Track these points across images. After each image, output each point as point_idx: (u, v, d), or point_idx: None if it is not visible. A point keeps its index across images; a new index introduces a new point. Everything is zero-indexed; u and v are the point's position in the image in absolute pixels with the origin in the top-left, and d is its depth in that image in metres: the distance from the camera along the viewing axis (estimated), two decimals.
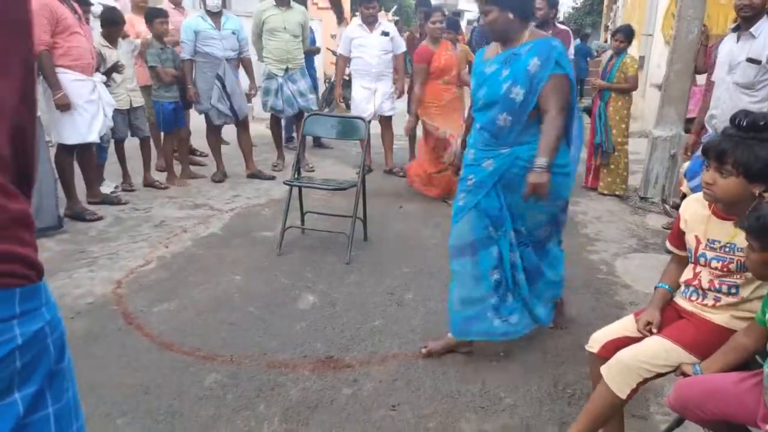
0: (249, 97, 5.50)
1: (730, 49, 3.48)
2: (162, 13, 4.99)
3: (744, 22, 3.41)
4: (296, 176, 3.92)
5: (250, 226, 4.25)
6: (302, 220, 4.07)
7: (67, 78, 3.96)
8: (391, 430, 2.14)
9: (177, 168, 5.40)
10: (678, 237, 1.88)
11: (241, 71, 5.37)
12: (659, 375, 1.73)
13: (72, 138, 4.09)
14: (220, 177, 5.41)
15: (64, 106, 3.95)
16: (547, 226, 2.59)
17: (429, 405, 2.29)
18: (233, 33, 5.12)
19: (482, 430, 2.15)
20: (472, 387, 2.41)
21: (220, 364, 2.52)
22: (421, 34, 5.98)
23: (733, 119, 1.62)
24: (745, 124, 1.58)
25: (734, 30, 3.52)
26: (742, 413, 1.51)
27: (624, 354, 1.74)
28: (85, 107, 4.08)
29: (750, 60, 3.32)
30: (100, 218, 4.26)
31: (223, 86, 5.09)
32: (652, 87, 8.30)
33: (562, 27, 5.09)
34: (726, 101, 3.44)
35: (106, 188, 4.81)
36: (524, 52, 2.35)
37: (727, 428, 1.58)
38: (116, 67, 4.48)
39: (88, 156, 4.42)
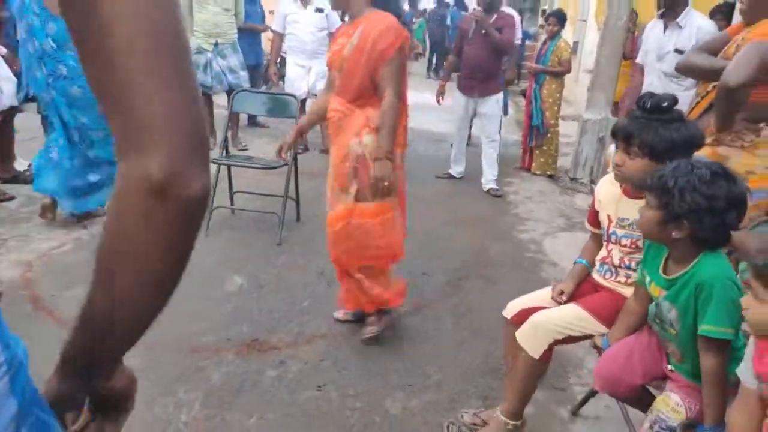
0: None
1: (657, 37, 3.58)
2: None
3: (668, 11, 3.51)
4: (224, 154, 3.77)
5: None
6: (231, 200, 3.93)
7: None
8: (316, 411, 2.10)
9: None
10: (594, 215, 1.93)
11: None
12: (571, 338, 1.79)
13: None
14: None
15: None
16: None
17: (356, 384, 2.26)
18: None
19: (408, 407, 2.14)
20: (401, 365, 2.41)
21: (138, 350, 2.37)
22: None
23: (638, 101, 1.66)
24: (649, 105, 1.62)
25: (661, 17, 3.61)
26: (657, 363, 1.59)
27: (537, 316, 1.80)
28: None
29: (677, 51, 3.41)
30: (11, 198, 3.95)
31: None
32: (585, 72, 8.53)
33: (508, 10, 5.12)
34: (657, 88, 3.54)
35: (18, 166, 4.47)
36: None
37: (641, 399, 1.64)
38: None
39: (5, 130, 4.08)
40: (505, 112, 6.24)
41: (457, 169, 5.19)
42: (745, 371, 1.21)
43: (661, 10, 3.63)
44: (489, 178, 4.85)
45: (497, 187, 4.80)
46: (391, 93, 2.25)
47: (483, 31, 4.62)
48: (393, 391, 2.24)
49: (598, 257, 1.90)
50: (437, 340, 2.61)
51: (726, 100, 2.00)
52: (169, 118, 0.49)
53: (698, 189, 1.35)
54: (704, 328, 1.37)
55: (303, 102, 5.61)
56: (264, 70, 8.05)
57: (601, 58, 5.11)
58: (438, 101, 5.26)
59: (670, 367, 1.55)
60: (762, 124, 2.09)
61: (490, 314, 2.84)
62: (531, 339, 1.76)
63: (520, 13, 11.99)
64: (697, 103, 2.39)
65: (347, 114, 2.36)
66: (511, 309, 1.92)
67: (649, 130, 1.60)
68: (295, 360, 2.40)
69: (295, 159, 3.69)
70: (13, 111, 4.18)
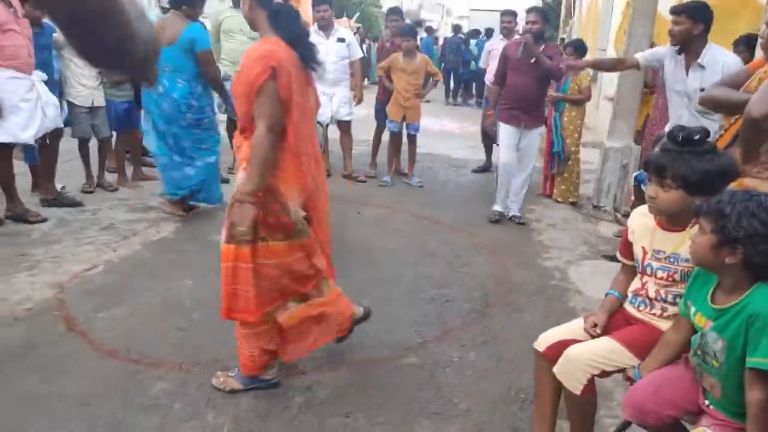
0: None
1: (681, 78, 3.46)
2: None
3: (685, 49, 3.41)
4: None
5: (203, 230, 4.14)
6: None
7: (1, 76, 3.75)
8: None
9: (129, 169, 5.22)
10: (626, 247, 1.93)
11: None
12: (605, 372, 1.77)
13: (1, 137, 3.86)
14: None
15: None
16: None
17: (383, 412, 2.26)
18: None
19: None
20: (427, 393, 2.40)
21: (168, 372, 2.42)
22: (392, 43, 5.99)
23: (670, 134, 1.68)
24: (680, 138, 1.64)
25: (678, 53, 3.49)
26: (691, 396, 1.57)
27: (571, 350, 1.79)
28: (20, 106, 3.87)
29: (702, 90, 3.37)
30: (44, 220, 4.06)
31: None
32: (604, 100, 8.56)
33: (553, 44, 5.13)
34: (690, 123, 3.48)
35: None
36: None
37: (672, 431, 1.62)
38: None
39: (48, 152, 4.26)
40: None
41: (512, 207, 4.78)
42: None
43: (677, 47, 3.48)
44: (514, 206, 4.77)
45: (520, 215, 4.75)
46: (261, 126, 2.03)
47: (533, 60, 4.48)
48: (420, 419, 2.23)
49: (631, 289, 1.90)
50: (462, 368, 2.60)
51: (751, 131, 2.02)
52: None
53: (756, 215, 1.36)
54: (756, 360, 1.35)
55: (325, 128, 5.71)
56: None
57: (623, 87, 5.15)
58: (491, 133, 5.24)
59: (707, 402, 1.53)
60: None
61: (514, 342, 2.84)
62: (568, 376, 1.76)
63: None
64: (721, 135, 2.40)
65: (239, 146, 2.23)
66: (544, 342, 1.90)
67: (682, 163, 1.62)
68: (322, 386, 2.41)
69: None
70: (56, 133, 4.33)
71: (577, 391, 1.75)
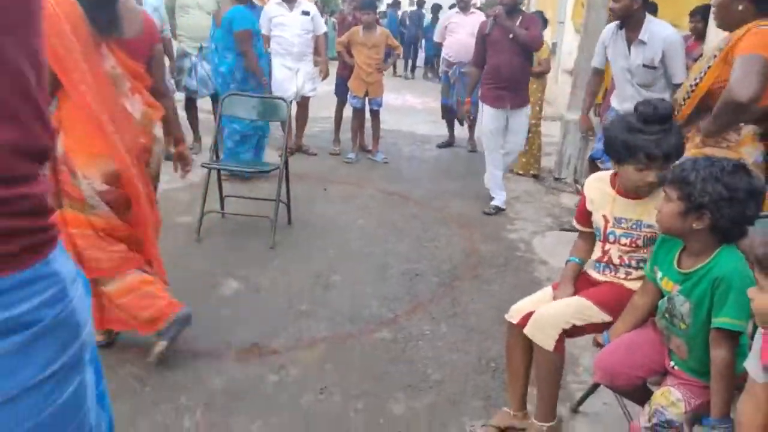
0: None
1: (623, 54, 3.44)
2: None
3: (626, 24, 3.39)
4: (214, 159, 3.75)
5: (166, 212, 3.98)
6: (221, 205, 3.91)
7: None
8: (319, 414, 2.12)
9: None
10: (584, 215, 1.96)
11: None
12: (576, 328, 1.81)
13: None
14: None
15: None
16: None
17: (358, 386, 2.28)
18: (155, 10, 4.79)
19: (412, 408, 2.17)
20: (400, 366, 2.43)
21: (136, 356, 2.37)
22: (354, 17, 5.87)
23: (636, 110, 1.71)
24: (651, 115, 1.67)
25: (620, 27, 3.44)
26: (658, 358, 1.63)
27: (541, 309, 1.84)
28: None
29: (645, 66, 3.41)
30: None
31: None
32: (564, 73, 8.68)
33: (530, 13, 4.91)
34: (634, 96, 3.53)
35: None
36: None
37: (639, 392, 1.69)
38: None
39: None
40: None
41: (501, 198, 4.48)
42: (753, 364, 1.25)
43: (618, 21, 3.47)
44: (500, 195, 4.47)
45: (504, 207, 4.43)
46: None
47: (510, 36, 4.22)
48: (395, 392, 2.26)
49: (593, 257, 1.95)
50: (434, 340, 2.64)
51: (735, 113, 2.08)
52: None
53: (720, 179, 1.40)
54: (721, 320, 1.41)
55: (289, 104, 5.61)
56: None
57: (581, 60, 5.21)
58: (462, 123, 5.09)
59: (672, 363, 1.60)
60: (742, 124, 2.18)
61: (483, 314, 2.89)
62: (540, 333, 1.79)
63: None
64: (681, 106, 2.45)
65: None
66: (517, 313, 1.92)
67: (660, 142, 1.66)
68: (296, 364, 2.41)
69: (286, 163, 3.69)
70: None
71: (550, 347, 1.77)
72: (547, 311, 1.82)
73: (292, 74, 5.36)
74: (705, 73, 2.26)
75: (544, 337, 1.79)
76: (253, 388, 2.24)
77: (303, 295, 2.97)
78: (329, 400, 2.19)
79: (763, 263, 1.13)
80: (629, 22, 3.37)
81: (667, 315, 1.56)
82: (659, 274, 1.60)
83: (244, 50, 4.56)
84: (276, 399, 2.19)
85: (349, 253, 3.53)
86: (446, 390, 2.29)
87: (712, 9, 2.42)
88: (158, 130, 2.39)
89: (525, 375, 1.98)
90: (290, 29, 5.28)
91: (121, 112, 2.16)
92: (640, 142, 1.67)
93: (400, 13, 16.06)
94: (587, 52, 5.14)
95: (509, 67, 4.29)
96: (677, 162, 1.50)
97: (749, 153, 2.18)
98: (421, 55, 14.46)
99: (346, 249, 3.59)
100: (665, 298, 1.58)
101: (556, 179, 5.30)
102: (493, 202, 4.46)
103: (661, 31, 3.30)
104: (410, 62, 13.99)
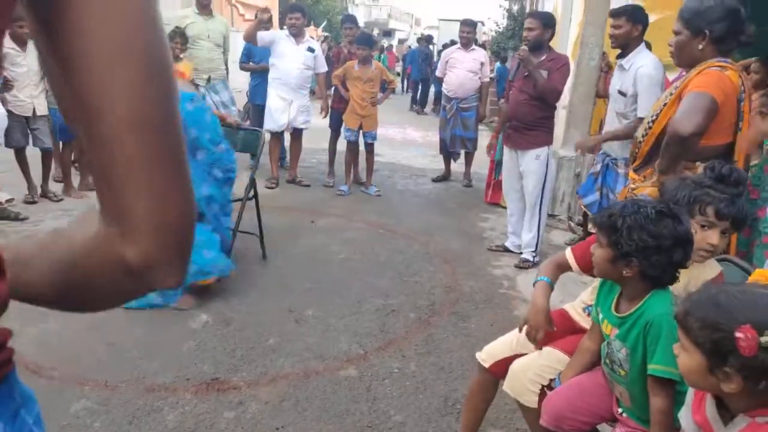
0: None
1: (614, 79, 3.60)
2: None
3: (623, 53, 3.46)
4: None
5: None
6: None
7: None
8: None
9: (76, 179, 5.07)
10: (585, 259, 1.73)
11: None
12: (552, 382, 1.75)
13: None
14: None
15: None
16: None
17: (314, 426, 2.21)
18: None
19: None
20: (362, 405, 2.36)
21: (92, 390, 2.33)
22: (350, 51, 5.96)
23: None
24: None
25: (619, 57, 3.57)
26: (606, 404, 1.57)
27: (516, 365, 1.78)
28: None
29: (620, 92, 3.42)
30: None
31: None
32: (559, 109, 8.69)
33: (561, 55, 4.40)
34: (614, 123, 3.57)
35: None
36: None
37: None
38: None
39: None
40: (474, 148, 6.33)
41: (514, 241, 4.26)
42: (685, 417, 1.19)
43: (619, 50, 3.56)
44: (525, 245, 4.12)
45: (531, 259, 4.03)
46: None
47: (525, 74, 3.94)
48: None
49: (584, 299, 1.90)
50: (402, 379, 2.56)
51: (678, 147, 2.08)
52: (155, 214, 0.47)
53: (645, 227, 1.36)
54: (652, 368, 1.36)
55: (281, 134, 5.65)
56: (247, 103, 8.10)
57: (575, 98, 5.22)
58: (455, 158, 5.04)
59: (620, 410, 1.53)
60: (698, 163, 2.15)
61: (457, 352, 2.82)
62: (521, 390, 1.74)
63: (498, 53, 12.33)
64: (639, 146, 2.43)
65: None
66: (488, 357, 1.87)
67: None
68: (255, 400, 2.34)
69: (255, 195, 3.68)
70: None
71: (534, 404, 1.72)
72: (521, 369, 1.76)
73: (285, 105, 5.43)
74: (661, 111, 2.25)
75: (526, 394, 1.74)
76: (207, 425, 2.18)
77: (273, 329, 2.92)
78: None
79: (681, 322, 1.08)
80: (627, 51, 3.43)
81: (608, 361, 1.50)
82: (600, 317, 1.55)
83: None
84: None
85: (326, 287, 3.48)
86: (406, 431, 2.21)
87: (669, 49, 2.41)
88: None
89: (481, 417, 1.94)
90: (292, 62, 5.39)
91: None
92: (709, 199, 1.51)
93: (408, 46, 16.28)
94: (580, 89, 5.17)
95: (515, 104, 4.05)
96: (608, 204, 1.45)
97: None
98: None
99: (324, 282, 3.54)
100: (605, 342, 1.52)
101: (550, 215, 5.23)
102: (505, 242, 4.35)
103: (638, 61, 3.33)
104: (418, 97, 14.11)
